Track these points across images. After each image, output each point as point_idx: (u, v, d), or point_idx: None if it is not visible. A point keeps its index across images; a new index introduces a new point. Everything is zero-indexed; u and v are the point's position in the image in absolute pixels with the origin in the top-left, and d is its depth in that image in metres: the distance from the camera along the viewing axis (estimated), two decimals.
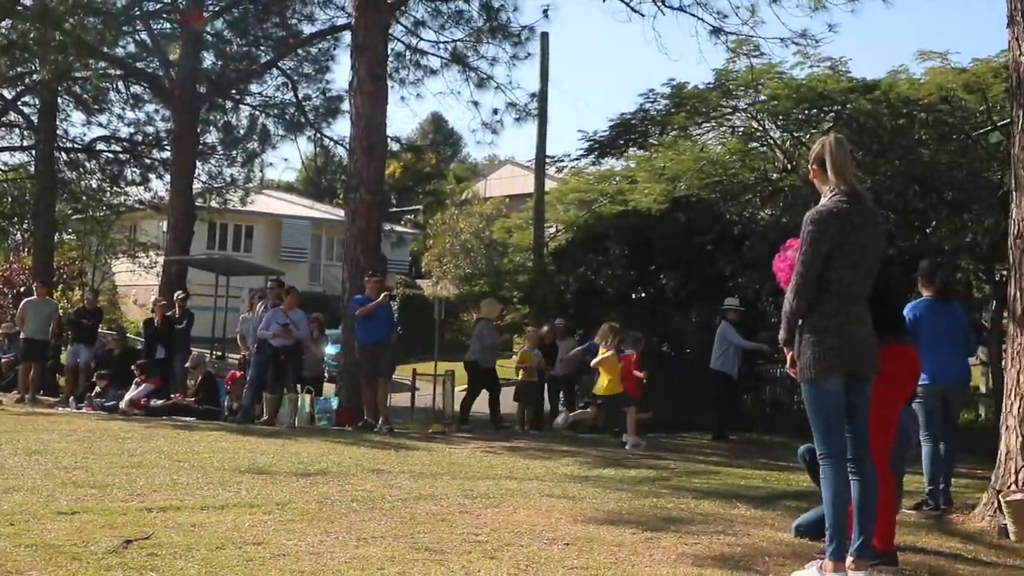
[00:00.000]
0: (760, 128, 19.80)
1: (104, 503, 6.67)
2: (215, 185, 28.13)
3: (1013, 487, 7.12)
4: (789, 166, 18.87)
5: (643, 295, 19.21)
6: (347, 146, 20.39)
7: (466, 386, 16.34)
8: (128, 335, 21.03)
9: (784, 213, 18.09)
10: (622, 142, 21.20)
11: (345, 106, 25.00)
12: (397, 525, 6.26)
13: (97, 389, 16.37)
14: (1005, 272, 9.10)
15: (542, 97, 22.65)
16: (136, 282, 37.54)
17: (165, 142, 27.67)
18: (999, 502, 7.00)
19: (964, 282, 16.72)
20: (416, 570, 5.03)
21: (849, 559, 4.92)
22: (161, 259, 29.48)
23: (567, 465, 10.15)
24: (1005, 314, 8.65)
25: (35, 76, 23.68)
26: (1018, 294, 7.50)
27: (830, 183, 5.13)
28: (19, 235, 37.05)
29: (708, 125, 20.75)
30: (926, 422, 8.12)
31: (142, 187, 29.49)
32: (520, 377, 16.59)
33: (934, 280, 8.37)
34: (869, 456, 5.12)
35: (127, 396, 15.75)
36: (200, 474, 8.24)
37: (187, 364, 16.37)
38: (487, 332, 16.11)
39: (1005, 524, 6.86)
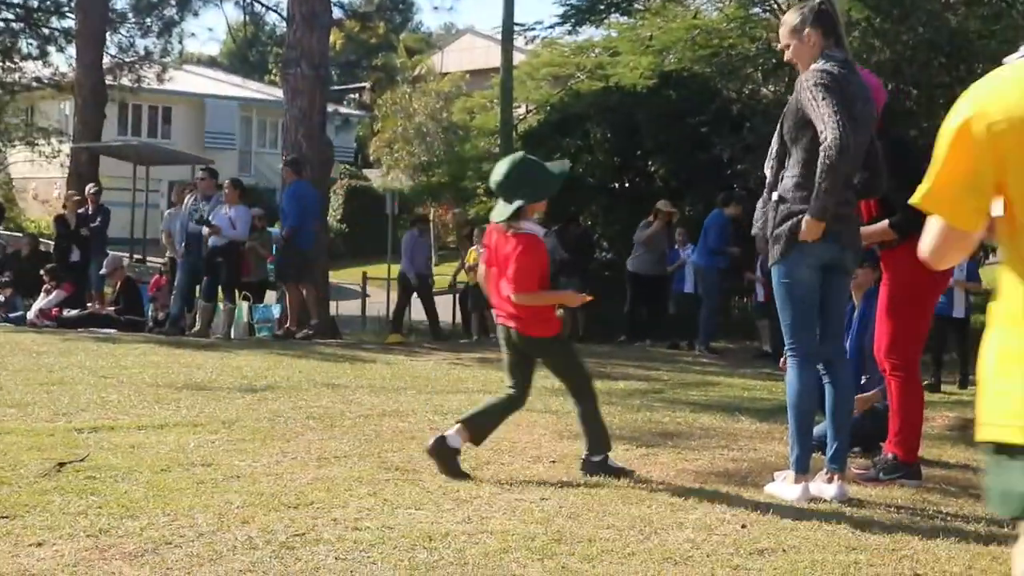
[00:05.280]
0: None
1: (27, 423, 6.77)
2: (127, 59, 27.71)
3: None
4: None
5: (628, 184, 19.36)
6: (282, 13, 20.18)
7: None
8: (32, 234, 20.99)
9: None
10: (602, 8, 21.14)
11: None
12: (361, 444, 6.44)
13: (1, 298, 16.36)
14: None
15: None
16: (36, 174, 37.15)
17: (65, 8, 27.20)
18: None
19: None
20: (388, 490, 5.20)
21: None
22: (66, 146, 29.18)
23: (546, 377, 10.30)
24: None
25: None
26: None
27: (821, 48, 5.14)
28: None
29: None
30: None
31: (40, 62, 29.01)
32: (468, 280, 16.85)
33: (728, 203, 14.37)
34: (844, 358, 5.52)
35: (36, 305, 15.77)
36: (131, 391, 8.35)
37: (102, 270, 16.32)
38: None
39: None
